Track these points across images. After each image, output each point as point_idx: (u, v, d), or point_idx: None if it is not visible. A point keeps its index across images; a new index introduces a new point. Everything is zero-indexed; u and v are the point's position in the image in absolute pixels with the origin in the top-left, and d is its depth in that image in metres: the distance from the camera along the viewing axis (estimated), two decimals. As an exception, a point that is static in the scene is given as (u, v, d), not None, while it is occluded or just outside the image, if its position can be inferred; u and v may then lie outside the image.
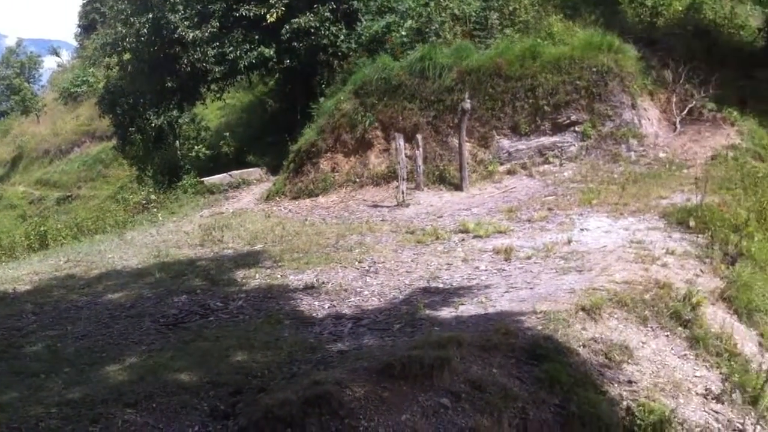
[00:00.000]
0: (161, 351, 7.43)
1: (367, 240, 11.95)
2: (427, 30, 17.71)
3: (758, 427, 6.75)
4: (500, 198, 14.48)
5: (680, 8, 20.85)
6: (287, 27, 20.08)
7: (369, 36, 18.73)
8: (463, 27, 17.98)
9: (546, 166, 15.98)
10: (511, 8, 18.19)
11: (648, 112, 16.70)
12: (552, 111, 16.25)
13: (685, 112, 17.03)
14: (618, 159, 15.53)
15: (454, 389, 5.95)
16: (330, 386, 5.64)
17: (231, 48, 20.79)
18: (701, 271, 9.35)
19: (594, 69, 16.22)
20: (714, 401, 6.92)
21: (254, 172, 20.85)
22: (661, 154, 15.64)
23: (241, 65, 20.96)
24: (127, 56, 23.50)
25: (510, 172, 16.06)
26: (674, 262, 9.38)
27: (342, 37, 19.97)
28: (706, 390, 7.04)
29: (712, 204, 11.42)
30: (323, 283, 9.64)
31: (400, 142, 15.12)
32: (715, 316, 8.36)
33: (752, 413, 6.91)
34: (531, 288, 8.63)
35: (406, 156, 15.59)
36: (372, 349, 6.86)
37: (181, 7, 21.07)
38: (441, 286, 9.16)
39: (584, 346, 6.99)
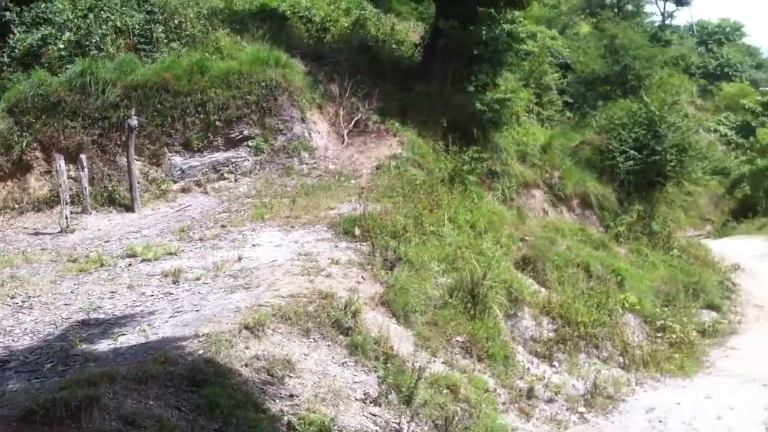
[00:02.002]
0: None
1: (21, 273, 10.84)
2: (88, 43, 16.64)
3: (413, 424, 7.14)
4: (174, 217, 14.03)
5: (347, 24, 21.93)
6: (-75, 38, 17.84)
7: (23, 49, 17.17)
8: (127, 40, 17.16)
9: (221, 182, 15.80)
10: (176, 21, 17.72)
11: (318, 125, 17.24)
12: (224, 126, 16.10)
13: (351, 124, 17.77)
14: (291, 172, 15.81)
15: (105, 428, 5.58)
16: (-44, 446, 5.01)
17: None
18: (363, 278, 9.77)
19: (263, 84, 16.37)
20: (372, 404, 7.21)
21: None
22: (331, 166, 16.22)
23: None
24: None
25: (185, 190, 15.63)
26: (338, 272, 9.69)
27: (-8, 50, 18.16)
28: (364, 394, 7.31)
29: (374, 212, 12.01)
30: (-34, 325, 8.59)
31: (61, 163, 14.03)
32: (375, 321, 8.76)
33: (407, 412, 7.30)
34: (197, 310, 8.41)
35: (71, 178, 14.54)
36: (16, 394, 6.25)
37: None
38: (102, 316, 8.60)
39: (247, 365, 6.93)
